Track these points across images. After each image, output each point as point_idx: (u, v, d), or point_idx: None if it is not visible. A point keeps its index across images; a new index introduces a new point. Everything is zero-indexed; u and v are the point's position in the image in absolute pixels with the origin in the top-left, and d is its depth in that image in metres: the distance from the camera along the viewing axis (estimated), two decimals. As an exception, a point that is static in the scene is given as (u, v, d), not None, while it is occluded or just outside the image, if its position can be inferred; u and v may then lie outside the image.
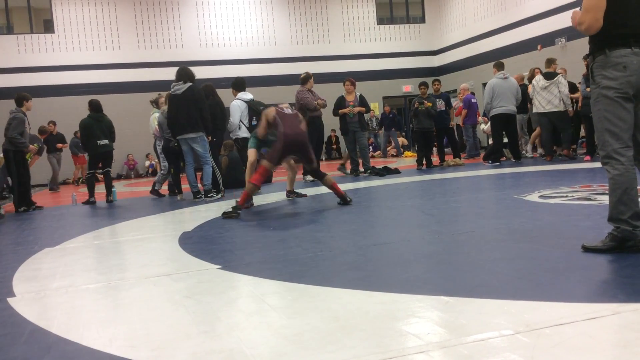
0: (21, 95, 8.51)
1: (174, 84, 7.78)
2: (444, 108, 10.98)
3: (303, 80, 9.63)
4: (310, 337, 1.99)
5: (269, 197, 7.43)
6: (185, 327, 2.23)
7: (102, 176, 9.23)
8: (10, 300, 2.87)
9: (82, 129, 8.83)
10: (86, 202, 8.67)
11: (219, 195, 7.97)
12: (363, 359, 1.76)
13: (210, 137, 8.17)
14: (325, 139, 19.25)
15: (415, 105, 10.43)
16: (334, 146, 20.40)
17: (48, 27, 19.00)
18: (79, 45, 18.83)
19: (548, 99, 9.51)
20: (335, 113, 9.95)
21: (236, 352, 1.89)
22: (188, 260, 3.58)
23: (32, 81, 17.45)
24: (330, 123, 13.82)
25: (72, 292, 2.99)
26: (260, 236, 4.41)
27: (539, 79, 9.70)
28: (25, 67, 18.24)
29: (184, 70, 7.85)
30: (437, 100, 10.94)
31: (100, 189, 9.30)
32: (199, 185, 8.01)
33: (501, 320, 2.01)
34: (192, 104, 7.64)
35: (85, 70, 18.62)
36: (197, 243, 4.24)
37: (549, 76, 9.61)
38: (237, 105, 8.40)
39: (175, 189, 8.83)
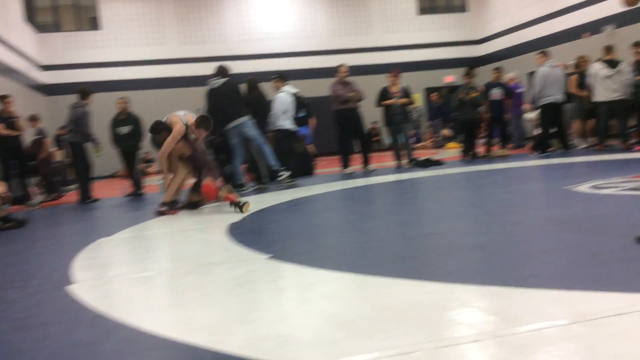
0: (86, 89, 8.81)
1: (210, 79, 8.02)
2: (501, 97, 10.80)
3: (336, 71, 9.70)
4: (362, 325, 2.01)
5: (313, 189, 7.48)
6: (239, 313, 2.29)
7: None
8: (71, 287, 2.99)
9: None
10: (131, 194, 8.97)
11: (288, 174, 8.02)
12: (416, 347, 1.77)
13: None
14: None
15: (461, 95, 10.31)
16: (375, 138, 20.31)
17: (94, 24, 19.50)
18: (124, 42, 19.27)
19: (613, 87, 9.26)
20: (378, 104, 9.91)
21: (290, 338, 1.93)
22: (238, 250, 3.65)
23: (78, 77, 17.93)
24: (371, 115, 13.71)
25: (128, 279, 3.09)
26: (307, 227, 4.46)
27: (600, 67, 9.39)
28: (71, 63, 18.80)
29: (220, 67, 8.13)
30: (496, 88, 10.76)
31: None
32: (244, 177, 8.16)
33: (556, 310, 1.99)
34: (232, 94, 7.84)
35: (130, 67, 19.07)
36: (245, 233, 4.31)
37: (613, 64, 9.34)
38: (282, 97, 8.55)
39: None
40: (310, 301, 2.36)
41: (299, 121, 9.17)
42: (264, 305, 2.37)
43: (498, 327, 1.89)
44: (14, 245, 4.91)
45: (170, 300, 2.59)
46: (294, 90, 8.80)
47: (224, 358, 1.81)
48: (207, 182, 6.06)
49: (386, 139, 20.35)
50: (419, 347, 1.77)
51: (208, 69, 9.05)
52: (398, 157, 10.11)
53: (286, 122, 8.59)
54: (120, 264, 3.58)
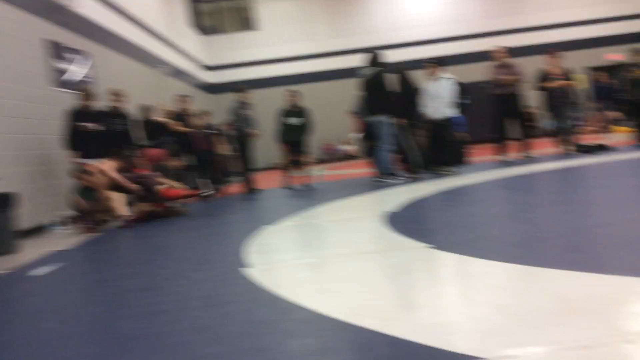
0: (241, 87, 9.53)
1: (362, 68, 8.16)
2: None
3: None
4: (538, 316, 1.96)
5: (468, 178, 7.32)
6: (406, 300, 2.34)
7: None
8: (247, 270, 3.25)
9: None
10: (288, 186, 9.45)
11: (397, 181, 8.06)
12: (596, 341, 1.69)
13: (397, 120, 8.33)
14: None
15: (628, 75, 9.44)
16: (533, 124, 19.20)
17: (252, 24, 20.70)
18: (280, 40, 20.23)
19: None
20: (537, 87, 9.40)
21: (460, 326, 1.94)
22: (397, 239, 3.70)
23: (238, 76, 19.17)
24: (528, 99, 13.06)
25: (296, 264, 3.28)
26: (465, 216, 4.38)
27: None
28: (232, 63, 20.11)
29: (371, 55, 8.17)
30: None
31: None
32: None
33: None
34: (372, 88, 7.92)
35: (284, 63, 19.98)
36: (403, 223, 4.35)
37: None
38: (447, 84, 8.47)
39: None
40: (477, 291, 2.34)
41: (461, 108, 9.03)
42: (430, 293, 2.39)
43: (692, 325, 1.74)
44: (193, 232, 5.43)
45: (337, 286, 2.70)
46: (453, 76, 8.71)
47: (395, 342, 1.87)
48: (162, 189, 6.90)
49: (546, 124, 19.19)
50: (600, 341, 1.69)
51: (357, 60, 9.22)
52: (560, 143, 9.51)
53: (453, 110, 8.49)
54: (287, 250, 3.81)
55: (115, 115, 7.84)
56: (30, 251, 5.53)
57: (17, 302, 3.31)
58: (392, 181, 7.99)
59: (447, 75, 8.57)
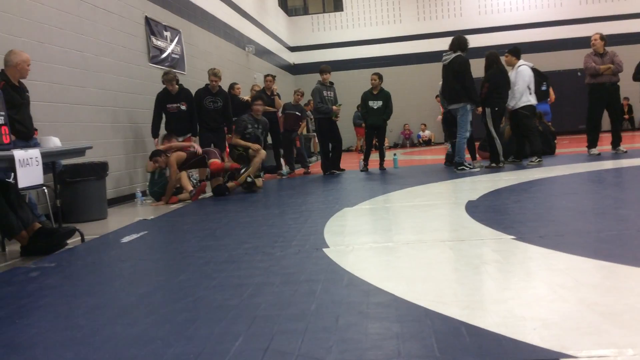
0: (322, 68, 9.48)
1: (444, 53, 7.97)
2: None
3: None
4: (632, 317, 1.86)
5: (554, 170, 7.03)
6: (491, 291, 2.28)
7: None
8: (325, 250, 3.28)
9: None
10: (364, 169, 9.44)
11: (475, 169, 7.82)
12: (701, 350, 1.59)
13: (480, 109, 8.13)
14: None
15: None
16: (627, 116, 18.16)
17: (337, 5, 20.62)
18: (364, 22, 20.06)
19: None
20: (636, 78, 8.83)
21: (550, 322, 1.87)
22: (479, 229, 3.62)
23: (322, 57, 19.17)
24: (622, 90, 12.30)
25: (376, 248, 3.28)
26: (551, 209, 4.22)
27: None
28: (317, 44, 20.16)
29: (455, 39, 8.02)
30: None
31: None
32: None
33: None
34: (452, 75, 7.73)
35: (368, 45, 19.81)
36: (485, 212, 4.24)
37: None
38: (526, 71, 8.17)
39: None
40: (567, 287, 2.25)
41: (540, 95, 8.75)
42: (517, 286, 2.32)
43: None
44: (272, 209, 5.53)
45: (418, 272, 2.68)
46: (530, 63, 8.40)
47: (480, 333, 1.83)
48: (213, 161, 7.15)
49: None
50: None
51: (443, 44, 9.00)
52: (658, 137, 8.94)
53: (531, 98, 8.20)
54: (366, 232, 3.81)
55: (215, 94, 8.19)
56: (117, 218, 5.85)
57: (107, 267, 3.49)
58: (471, 169, 7.80)
59: (524, 62, 8.31)
